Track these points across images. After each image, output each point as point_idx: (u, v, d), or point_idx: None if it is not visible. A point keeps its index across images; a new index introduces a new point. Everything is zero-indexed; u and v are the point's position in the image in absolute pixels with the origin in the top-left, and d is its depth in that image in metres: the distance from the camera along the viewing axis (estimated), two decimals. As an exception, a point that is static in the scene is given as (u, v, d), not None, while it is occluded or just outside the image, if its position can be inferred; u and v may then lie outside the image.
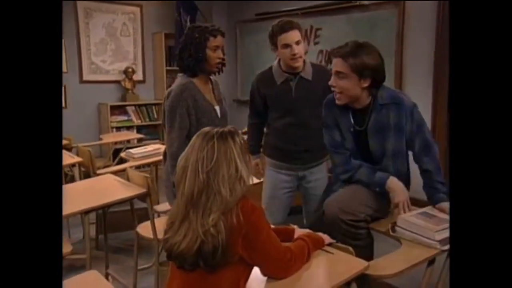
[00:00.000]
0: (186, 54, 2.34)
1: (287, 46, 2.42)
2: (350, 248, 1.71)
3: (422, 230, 1.86)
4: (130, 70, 5.54)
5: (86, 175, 3.50)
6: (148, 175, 2.51)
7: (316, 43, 4.99)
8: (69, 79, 5.33)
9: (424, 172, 2.12)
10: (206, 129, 1.53)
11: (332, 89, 2.10)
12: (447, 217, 1.95)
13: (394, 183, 2.07)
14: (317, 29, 4.96)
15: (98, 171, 3.37)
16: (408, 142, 2.12)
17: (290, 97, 2.51)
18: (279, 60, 2.54)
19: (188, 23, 5.82)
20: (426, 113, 4.06)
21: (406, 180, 2.19)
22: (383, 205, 2.13)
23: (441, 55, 3.92)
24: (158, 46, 5.83)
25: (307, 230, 1.78)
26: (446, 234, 1.85)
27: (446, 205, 2.01)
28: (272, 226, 1.62)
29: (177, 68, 2.48)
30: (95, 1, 5.46)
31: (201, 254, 1.39)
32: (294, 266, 1.55)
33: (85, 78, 5.46)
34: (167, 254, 1.47)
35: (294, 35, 2.42)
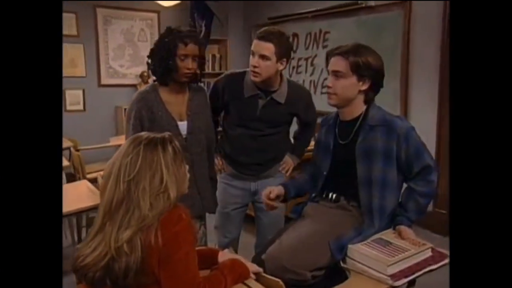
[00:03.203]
0: (156, 59, 1.97)
1: (252, 54, 2.05)
2: (280, 282, 1.42)
3: (373, 262, 1.53)
4: (145, 74, 5.41)
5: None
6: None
7: (324, 47, 4.65)
8: (88, 83, 5.28)
9: (409, 189, 1.75)
10: (140, 134, 1.34)
11: (327, 90, 1.79)
12: (404, 244, 1.62)
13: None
14: (326, 32, 4.63)
15: (88, 176, 3.21)
16: (404, 168, 1.73)
17: (254, 115, 2.15)
18: None
19: (203, 28, 5.61)
20: (432, 118, 3.67)
21: (387, 222, 1.75)
22: None
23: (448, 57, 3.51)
24: (174, 51, 5.64)
25: (234, 256, 1.49)
26: (401, 266, 1.53)
27: (403, 228, 1.69)
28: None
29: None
30: (114, 9, 5.35)
31: (110, 272, 1.19)
32: None
33: (103, 82, 5.37)
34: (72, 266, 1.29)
35: (263, 47, 2.00)
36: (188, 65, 1.94)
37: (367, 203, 1.73)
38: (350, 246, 1.61)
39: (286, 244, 1.65)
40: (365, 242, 1.62)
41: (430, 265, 1.56)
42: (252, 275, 1.43)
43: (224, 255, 1.48)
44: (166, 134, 1.35)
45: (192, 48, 1.94)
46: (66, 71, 5.12)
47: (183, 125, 2.01)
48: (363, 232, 1.70)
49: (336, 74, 1.73)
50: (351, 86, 1.72)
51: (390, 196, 1.72)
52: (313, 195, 1.94)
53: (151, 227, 1.21)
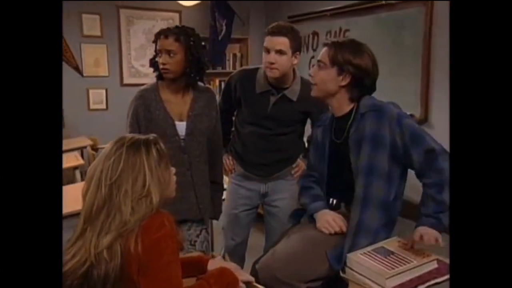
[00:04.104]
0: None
1: (267, 51, 2.01)
2: (271, 293, 1.35)
3: (372, 274, 1.43)
4: (166, 73, 5.42)
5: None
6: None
7: (344, 45, 4.52)
8: (110, 83, 5.34)
9: (424, 186, 1.60)
10: (124, 135, 1.29)
11: (310, 79, 1.76)
12: (407, 255, 1.50)
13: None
14: (346, 31, 4.50)
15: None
16: (404, 159, 1.58)
17: (265, 113, 2.10)
18: None
19: (224, 28, 5.56)
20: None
21: (387, 218, 1.61)
22: None
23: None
24: (195, 50, 5.63)
25: (225, 264, 1.42)
26: (401, 279, 1.43)
27: (422, 230, 1.50)
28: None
29: (211, 71, 2.11)
30: (137, 9, 5.38)
31: (89, 280, 1.15)
32: None
33: (125, 81, 5.42)
34: None
35: (278, 42, 1.97)
36: (162, 60, 1.87)
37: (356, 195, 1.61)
38: (348, 255, 1.52)
39: (280, 253, 1.57)
40: (365, 251, 1.53)
41: (434, 278, 1.46)
42: (242, 285, 1.36)
43: (215, 263, 1.42)
44: (151, 135, 1.30)
45: (162, 42, 1.87)
46: (90, 70, 5.21)
47: (182, 126, 1.94)
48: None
49: (319, 64, 1.69)
50: (330, 78, 1.66)
51: (378, 182, 1.58)
52: None
53: (132, 232, 1.16)
